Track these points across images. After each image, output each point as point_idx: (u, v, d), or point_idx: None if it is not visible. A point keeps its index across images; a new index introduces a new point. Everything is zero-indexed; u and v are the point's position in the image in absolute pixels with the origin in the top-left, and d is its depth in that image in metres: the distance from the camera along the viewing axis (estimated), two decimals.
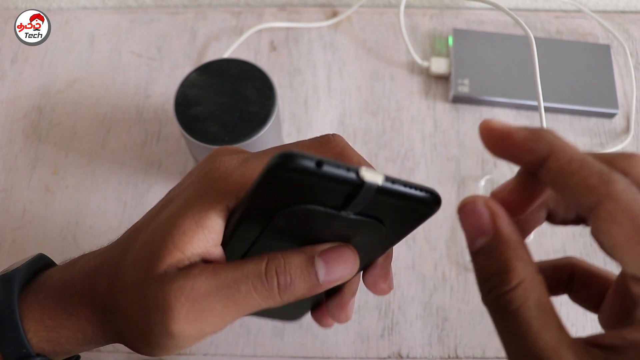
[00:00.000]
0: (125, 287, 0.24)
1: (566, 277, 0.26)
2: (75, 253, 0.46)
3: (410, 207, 0.22)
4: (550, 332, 0.19)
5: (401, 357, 0.43)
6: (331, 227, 0.23)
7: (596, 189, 0.18)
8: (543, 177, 0.20)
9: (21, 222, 0.48)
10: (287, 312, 0.33)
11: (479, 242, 0.21)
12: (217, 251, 0.24)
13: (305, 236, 0.24)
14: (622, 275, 0.21)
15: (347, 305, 0.28)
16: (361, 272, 0.27)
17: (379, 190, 0.21)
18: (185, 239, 0.23)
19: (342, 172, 0.20)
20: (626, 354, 0.19)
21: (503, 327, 0.20)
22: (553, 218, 0.24)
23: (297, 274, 0.23)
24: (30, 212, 0.49)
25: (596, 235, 0.19)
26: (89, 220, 0.48)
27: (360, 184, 0.20)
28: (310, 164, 0.20)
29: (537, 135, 0.20)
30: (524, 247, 0.20)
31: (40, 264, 0.29)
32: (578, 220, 0.23)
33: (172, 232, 0.23)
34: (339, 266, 0.23)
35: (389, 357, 0.43)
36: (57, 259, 0.31)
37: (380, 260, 0.27)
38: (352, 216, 0.22)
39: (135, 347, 0.25)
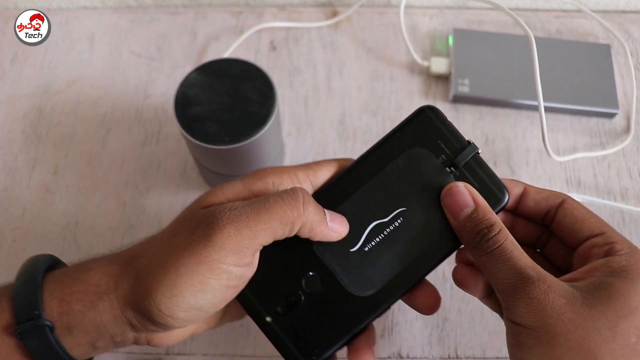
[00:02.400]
0: (162, 237, 0.29)
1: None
2: (75, 253, 0.47)
3: (488, 189, 0.31)
4: (526, 257, 0.28)
5: (401, 357, 0.43)
6: (428, 189, 0.31)
7: (559, 195, 0.31)
8: (526, 202, 0.32)
9: (21, 222, 0.48)
10: None
11: (465, 212, 0.30)
12: None
13: (394, 201, 0.32)
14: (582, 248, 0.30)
15: (360, 351, 0.32)
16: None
17: (476, 156, 0.31)
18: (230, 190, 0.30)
19: (458, 131, 0.32)
20: (591, 275, 0.27)
21: (492, 261, 0.28)
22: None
23: (313, 201, 0.30)
24: (30, 212, 0.49)
25: (561, 220, 0.31)
26: (89, 220, 0.48)
27: (467, 143, 0.31)
28: (443, 115, 0.32)
29: (513, 181, 0.32)
30: (493, 211, 0.30)
31: (58, 260, 0.32)
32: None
33: (219, 187, 0.30)
34: (340, 221, 0.31)
35: (389, 357, 0.43)
36: None
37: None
38: (452, 174, 0.31)
39: (150, 285, 0.26)
